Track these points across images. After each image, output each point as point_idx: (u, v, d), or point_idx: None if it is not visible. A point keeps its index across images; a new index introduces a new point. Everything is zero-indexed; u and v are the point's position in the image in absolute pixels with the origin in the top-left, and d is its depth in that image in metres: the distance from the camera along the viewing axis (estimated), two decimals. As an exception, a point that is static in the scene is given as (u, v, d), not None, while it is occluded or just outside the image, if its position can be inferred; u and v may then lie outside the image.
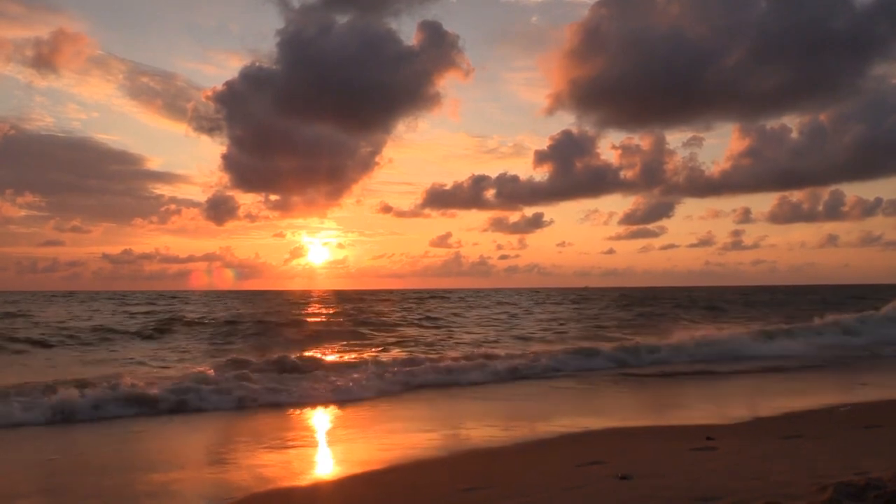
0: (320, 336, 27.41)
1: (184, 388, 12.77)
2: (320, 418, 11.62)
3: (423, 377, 15.54)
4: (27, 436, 10.15)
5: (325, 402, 12.83)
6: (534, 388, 14.94)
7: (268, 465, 8.00)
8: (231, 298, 79.99)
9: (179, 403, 12.20)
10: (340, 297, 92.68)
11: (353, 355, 19.87)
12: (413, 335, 28.47)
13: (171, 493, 6.87)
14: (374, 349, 22.34)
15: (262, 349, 21.63)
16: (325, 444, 9.58)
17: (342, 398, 13.18)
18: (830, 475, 5.51)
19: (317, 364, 16.50)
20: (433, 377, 15.66)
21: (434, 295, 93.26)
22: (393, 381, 14.86)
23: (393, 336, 28.21)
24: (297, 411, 12.08)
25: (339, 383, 14.18)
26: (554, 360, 18.54)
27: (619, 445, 8.53)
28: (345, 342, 25.22)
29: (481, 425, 10.49)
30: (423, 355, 19.20)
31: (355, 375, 14.96)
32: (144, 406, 11.92)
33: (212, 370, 14.89)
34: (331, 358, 18.50)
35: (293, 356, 17.23)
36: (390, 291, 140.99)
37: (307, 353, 19.44)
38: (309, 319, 37.29)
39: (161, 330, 28.32)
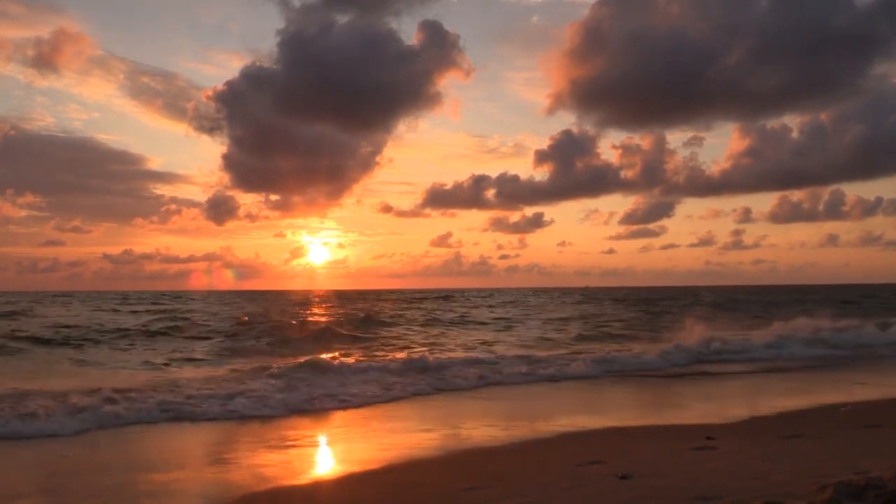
0: (339, 337, 26.19)
1: (226, 395, 12.51)
2: (325, 419, 11.60)
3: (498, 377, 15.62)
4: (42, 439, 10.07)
5: (361, 405, 12.57)
6: (534, 389, 14.94)
7: (268, 465, 8.00)
8: (237, 299, 78.20)
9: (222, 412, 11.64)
10: (347, 297, 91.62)
11: (389, 356, 19.49)
12: (449, 335, 27.92)
13: (172, 493, 6.89)
14: (395, 350, 21.93)
15: (283, 352, 21.16)
16: (326, 444, 9.58)
17: (377, 401, 13.02)
18: (830, 475, 5.51)
19: (348, 366, 16.14)
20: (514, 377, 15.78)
21: (442, 295, 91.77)
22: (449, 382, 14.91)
23: (422, 336, 27.43)
24: (302, 413, 12.03)
25: (379, 385, 14.10)
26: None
27: (619, 445, 8.53)
28: (367, 343, 24.44)
29: (481, 425, 10.49)
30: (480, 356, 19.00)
31: (391, 378, 14.89)
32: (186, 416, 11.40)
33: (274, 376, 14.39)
34: (362, 359, 18.19)
35: (325, 357, 17.11)
36: (391, 291, 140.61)
37: (332, 355, 19.06)
38: (322, 319, 35.89)
39: (175, 330, 27.47)
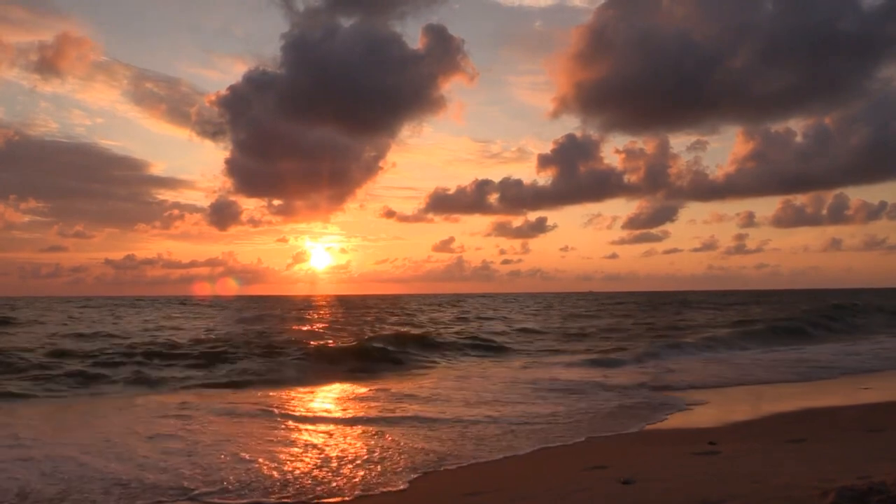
0: (415, 348, 22.88)
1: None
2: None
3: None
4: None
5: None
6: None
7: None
8: (251, 307, 70.08)
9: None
10: (356, 302, 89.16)
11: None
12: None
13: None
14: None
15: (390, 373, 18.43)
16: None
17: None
18: (833, 479, 5.49)
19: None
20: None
21: (478, 301, 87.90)
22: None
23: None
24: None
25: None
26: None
27: (621, 450, 8.51)
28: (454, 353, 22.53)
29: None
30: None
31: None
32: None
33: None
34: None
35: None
36: (397, 296, 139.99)
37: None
38: (370, 332, 30.33)
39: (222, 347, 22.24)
